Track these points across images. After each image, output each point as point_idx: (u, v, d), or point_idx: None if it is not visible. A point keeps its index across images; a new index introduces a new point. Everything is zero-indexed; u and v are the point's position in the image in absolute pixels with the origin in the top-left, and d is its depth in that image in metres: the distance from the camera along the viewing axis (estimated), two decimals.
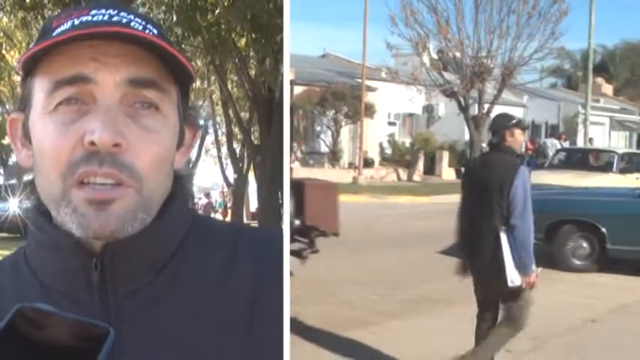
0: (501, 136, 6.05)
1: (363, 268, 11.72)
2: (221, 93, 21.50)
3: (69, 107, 1.33)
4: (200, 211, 30.90)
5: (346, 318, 8.73)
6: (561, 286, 10.76)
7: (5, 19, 21.08)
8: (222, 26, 15.23)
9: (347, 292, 10.13)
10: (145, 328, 1.37)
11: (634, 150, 28.00)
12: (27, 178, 1.44)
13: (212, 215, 29.75)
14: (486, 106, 25.75)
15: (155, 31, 1.41)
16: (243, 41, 15.91)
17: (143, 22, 1.40)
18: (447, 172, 33.70)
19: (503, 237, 5.83)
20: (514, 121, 6.12)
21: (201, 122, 24.45)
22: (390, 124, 36.73)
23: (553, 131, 34.43)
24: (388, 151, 35.24)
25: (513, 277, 5.83)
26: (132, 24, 1.38)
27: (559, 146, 25.86)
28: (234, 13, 13.81)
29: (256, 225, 20.24)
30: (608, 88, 58.85)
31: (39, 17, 16.28)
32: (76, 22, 1.37)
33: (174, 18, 16.15)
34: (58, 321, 1.09)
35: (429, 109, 37.05)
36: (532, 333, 8.21)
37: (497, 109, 30.34)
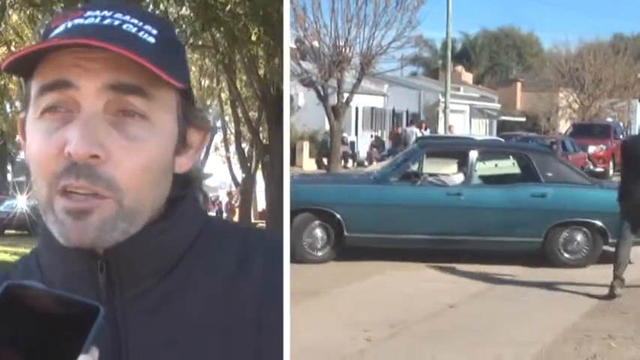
0: None
1: None
2: (230, 92, 21.52)
3: (54, 115, 1.33)
4: (224, 211, 30.42)
5: None
6: (422, 273, 11.09)
7: (15, 17, 20.91)
8: (232, 24, 15.17)
9: None
10: (152, 331, 1.39)
11: (493, 137, 28.86)
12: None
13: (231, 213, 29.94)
14: (346, 95, 25.98)
15: (155, 31, 1.39)
16: (253, 38, 15.90)
17: (140, 24, 1.38)
18: (308, 163, 33.92)
19: None
20: None
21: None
22: None
23: (414, 119, 35.10)
24: None
25: None
26: (124, 26, 1.36)
27: (419, 134, 26.44)
28: (247, 10, 13.84)
29: (264, 225, 20.54)
30: (468, 77, 60.38)
31: (47, 14, 15.94)
32: (69, 24, 1.36)
33: (187, 13, 16.28)
34: (47, 298, 1.11)
35: None
36: (390, 320, 8.50)
37: (357, 99, 30.79)
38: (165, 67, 1.33)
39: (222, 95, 25.77)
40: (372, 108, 41.62)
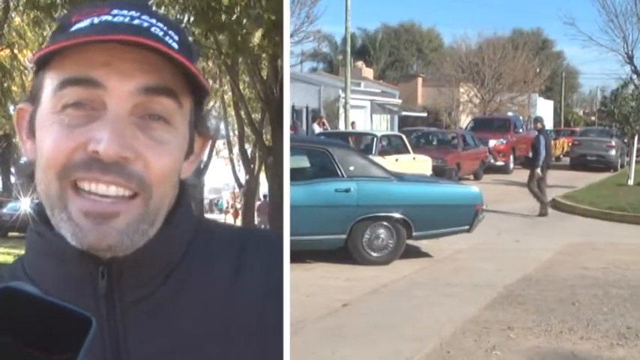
0: None
1: None
2: (233, 94, 21.38)
3: (77, 111, 1.30)
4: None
5: None
6: (319, 271, 11.10)
7: (17, 19, 20.96)
8: (235, 27, 14.94)
9: None
10: (152, 336, 1.38)
11: (394, 132, 29.11)
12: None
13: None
14: None
15: (177, 37, 1.39)
16: (256, 41, 15.94)
17: (165, 28, 1.38)
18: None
19: None
20: None
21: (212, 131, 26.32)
22: None
23: (315, 115, 35.24)
24: None
25: None
26: (152, 29, 1.35)
27: (318, 130, 26.49)
28: (251, 14, 13.68)
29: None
30: (369, 72, 60.99)
31: (50, 18, 15.80)
32: (96, 20, 1.34)
33: (191, 18, 16.18)
34: (41, 305, 1.04)
35: None
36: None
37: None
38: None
39: (225, 97, 26.03)
40: None
